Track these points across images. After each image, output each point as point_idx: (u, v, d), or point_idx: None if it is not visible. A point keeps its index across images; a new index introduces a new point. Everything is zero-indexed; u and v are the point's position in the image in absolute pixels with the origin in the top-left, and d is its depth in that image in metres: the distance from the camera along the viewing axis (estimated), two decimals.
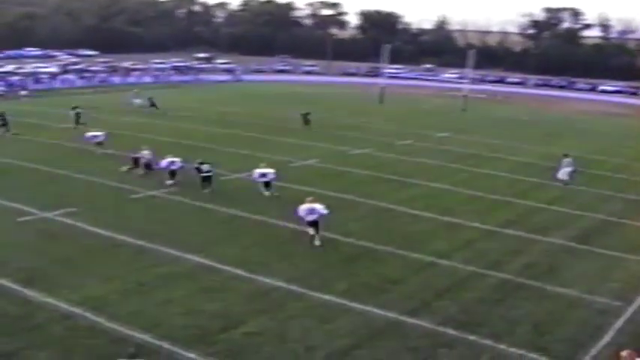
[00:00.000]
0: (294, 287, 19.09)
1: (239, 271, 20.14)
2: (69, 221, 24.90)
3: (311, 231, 23.14)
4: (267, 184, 29.24)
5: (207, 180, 30.10)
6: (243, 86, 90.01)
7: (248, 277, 19.76)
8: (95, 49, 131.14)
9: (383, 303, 18.36)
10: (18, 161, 35.18)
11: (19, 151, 37.79)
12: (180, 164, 31.33)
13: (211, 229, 24.59)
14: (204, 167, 30.26)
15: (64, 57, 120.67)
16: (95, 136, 38.16)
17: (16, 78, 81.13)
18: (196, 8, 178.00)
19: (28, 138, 41.99)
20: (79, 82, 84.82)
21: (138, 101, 59.19)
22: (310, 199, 23.72)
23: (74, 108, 47.75)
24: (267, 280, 19.50)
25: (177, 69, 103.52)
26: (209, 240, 23.20)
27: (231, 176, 33.07)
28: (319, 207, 23.18)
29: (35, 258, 20.99)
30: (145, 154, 33.73)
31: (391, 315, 17.68)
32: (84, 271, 19.95)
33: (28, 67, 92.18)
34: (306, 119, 51.08)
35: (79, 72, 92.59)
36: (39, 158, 35.74)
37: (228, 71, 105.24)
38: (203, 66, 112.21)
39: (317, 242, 22.97)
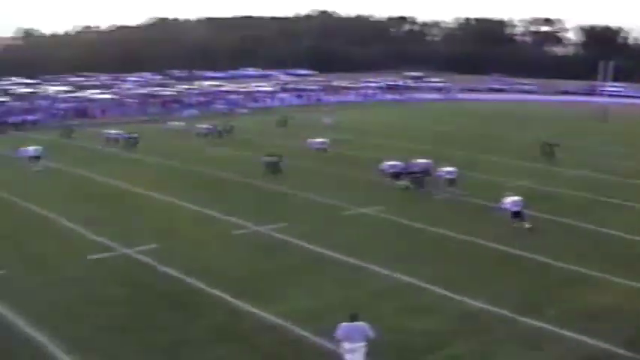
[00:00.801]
0: (500, 310, 18.46)
1: (446, 292, 19.82)
2: (280, 235, 25.74)
3: (515, 219, 26.68)
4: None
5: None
6: (456, 104, 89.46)
7: (454, 298, 19.41)
8: (311, 69, 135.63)
9: (596, 332, 17.26)
10: (229, 175, 37.43)
11: (233, 166, 40.24)
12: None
13: (420, 248, 24.47)
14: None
15: (281, 76, 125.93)
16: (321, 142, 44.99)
17: (236, 96, 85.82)
18: (412, 27, 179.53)
19: (239, 153, 44.69)
20: (295, 101, 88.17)
21: (328, 120, 61.67)
22: (510, 193, 27.61)
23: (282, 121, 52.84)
24: (474, 302, 19.03)
25: (389, 88, 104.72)
26: (418, 259, 23.05)
27: (446, 196, 32.91)
28: (519, 199, 27.17)
29: (247, 270, 21.84)
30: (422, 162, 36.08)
31: (605, 346, 16.60)
32: (292, 285, 20.45)
33: (248, 86, 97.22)
34: (549, 150, 44.28)
35: (295, 91, 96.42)
36: (249, 172, 37.86)
37: (441, 90, 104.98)
38: (415, 85, 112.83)
39: (527, 225, 26.56)
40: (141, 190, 33.98)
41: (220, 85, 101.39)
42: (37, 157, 40.42)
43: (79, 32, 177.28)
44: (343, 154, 45.35)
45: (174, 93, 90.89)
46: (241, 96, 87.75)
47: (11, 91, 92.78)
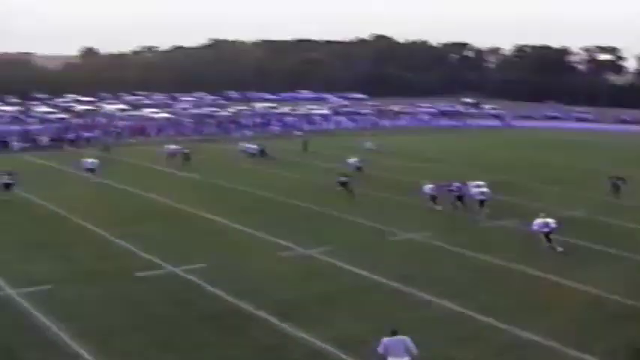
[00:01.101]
0: (548, 342, 17.99)
1: (492, 320, 19.46)
2: (327, 259, 25.73)
3: (546, 241, 27.12)
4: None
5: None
6: (512, 132, 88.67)
7: (501, 328, 19.01)
8: (365, 93, 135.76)
9: None
10: (275, 195, 37.93)
11: (275, 185, 40.94)
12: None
13: (467, 276, 24.14)
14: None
15: (334, 100, 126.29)
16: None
17: (290, 118, 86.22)
18: (468, 54, 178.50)
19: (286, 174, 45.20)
20: (350, 125, 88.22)
21: (369, 144, 62.25)
22: (543, 214, 27.76)
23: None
24: (522, 333, 18.60)
25: (444, 114, 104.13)
26: (464, 286, 22.75)
27: (495, 223, 32.66)
28: (551, 221, 27.44)
29: (293, 292, 21.80)
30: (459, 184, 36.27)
31: None
32: (338, 309, 20.36)
33: (302, 109, 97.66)
34: (615, 185, 41.18)
35: (349, 114, 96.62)
36: (293, 193, 38.42)
37: (496, 117, 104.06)
38: (470, 111, 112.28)
39: (559, 248, 26.90)
40: (189, 209, 34.26)
41: (275, 107, 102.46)
42: (93, 170, 42.94)
43: (137, 52, 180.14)
44: (391, 177, 45.43)
45: (230, 114, 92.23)
46: (296, 118, 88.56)
47: (71, 108, 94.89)
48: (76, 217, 31.94)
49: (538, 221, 27.73)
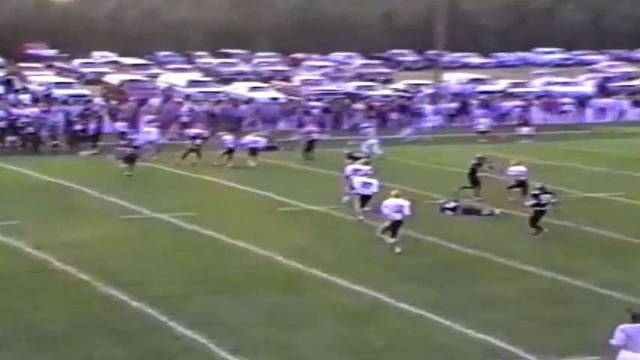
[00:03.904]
0: None
1: None
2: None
3: (389, 237, 22.46)
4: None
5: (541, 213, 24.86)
6: None
7: None
8: None
9: None
10: None
11: None
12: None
13: None
14: (544, 198, 24.80)
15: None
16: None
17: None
18: None
19: None
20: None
21: None
22: (395, 192, 22.82)
23: None
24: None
25: None
26: None
27: None
28: (406, 204, 22.42)
29: None
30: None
31: None
32: None
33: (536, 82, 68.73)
34: None
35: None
36: None
37: None
38: None
39: (398, 249, 22.16)
40: None
41: (483, 82, 68.86)
42: None
43: None
44: None
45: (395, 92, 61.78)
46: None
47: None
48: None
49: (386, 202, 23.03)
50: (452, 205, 27.68)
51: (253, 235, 24.08)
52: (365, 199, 25.56)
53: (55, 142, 41.29)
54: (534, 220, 24.69)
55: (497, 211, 27.32)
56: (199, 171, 35.53)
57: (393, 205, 22.42)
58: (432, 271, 20.96)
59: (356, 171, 27.48)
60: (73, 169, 35.92)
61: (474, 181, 30.18)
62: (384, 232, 22.70)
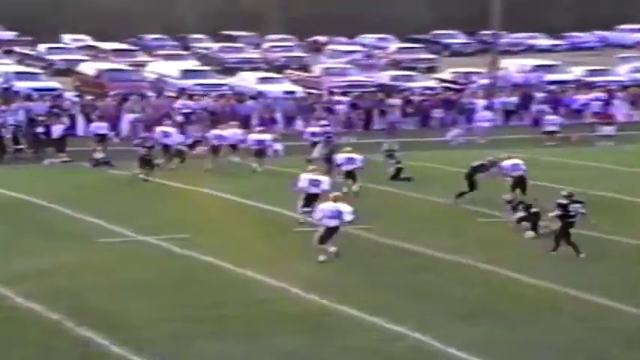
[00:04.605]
0: None
1: None
2: None
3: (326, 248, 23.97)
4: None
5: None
6: None
7: None
8: None
9: None
10: None
11: None
12: None
13: None
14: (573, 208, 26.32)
15: None
16: None
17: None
18: None
19: None
20: None
21: None
22: (334, 195, 24.84)
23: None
24: None
25: None
26: None
27: None
28: (346, 210, 24.02)
29: None
30: None
31: None
32: None
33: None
34: None
35: None
36: None
37: None
38: None
39: (333, 248, 23.97)
40: None
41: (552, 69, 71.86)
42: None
43: None
44: None
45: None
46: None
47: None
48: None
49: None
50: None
51: (264, 263, 24.33)
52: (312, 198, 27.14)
53: (18, 147, 41.97)
54: (563, 235, 25.37)
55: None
56: (193, 182, 36.08)
57: (329, 210, 23.35)
58: (491, 306, 21.09)
59: None
60: (39, 182, 36.57)
61: (471, 185, 31.86)
62: (322, 243, 23.54)
